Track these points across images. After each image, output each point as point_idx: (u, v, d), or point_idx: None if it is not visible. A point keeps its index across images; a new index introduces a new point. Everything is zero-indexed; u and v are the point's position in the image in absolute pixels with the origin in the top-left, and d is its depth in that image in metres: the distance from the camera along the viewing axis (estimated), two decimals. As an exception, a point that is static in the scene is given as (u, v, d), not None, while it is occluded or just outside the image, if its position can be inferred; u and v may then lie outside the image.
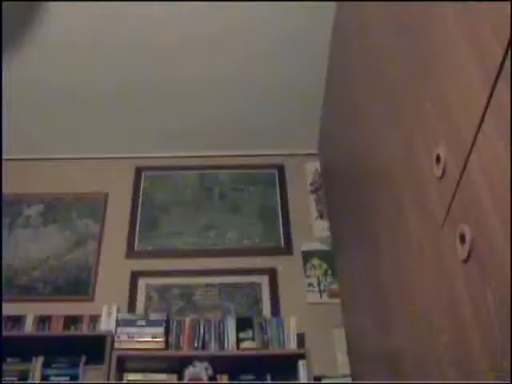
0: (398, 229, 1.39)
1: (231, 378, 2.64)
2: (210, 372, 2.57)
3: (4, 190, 3.30)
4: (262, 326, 2.73)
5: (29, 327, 2.73)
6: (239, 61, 2.84)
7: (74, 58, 2.78)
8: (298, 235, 3.19)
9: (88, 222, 3.26)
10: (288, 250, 3.15)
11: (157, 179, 3.48)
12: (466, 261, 0.93)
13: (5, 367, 2.60)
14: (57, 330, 2.73)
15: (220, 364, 2.60)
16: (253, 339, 2.68)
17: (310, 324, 2.79)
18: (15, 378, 2.59)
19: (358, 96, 1.86)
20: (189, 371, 2.56)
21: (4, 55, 2.73)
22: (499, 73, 0.79)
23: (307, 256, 3.10)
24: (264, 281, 3.00)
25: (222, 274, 3.02)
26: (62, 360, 2.64)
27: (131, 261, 3.10)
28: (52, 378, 2.60)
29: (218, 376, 2.63)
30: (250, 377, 2.64)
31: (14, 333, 2.69)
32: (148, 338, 2.66)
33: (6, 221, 3.24)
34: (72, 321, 2.77)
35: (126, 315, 2.79)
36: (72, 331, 2.73)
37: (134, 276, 3.02)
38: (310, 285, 3.00)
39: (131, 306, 2.90)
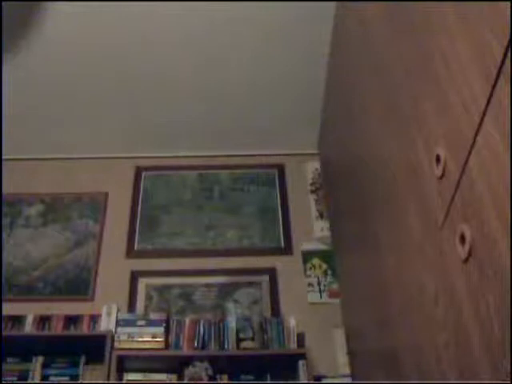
0: (398, 229, 1.39)
1: (231, 378, 2.64)
2: (210, 372, 2.57)
3: (4, 190, 3.30)
4: (262, 325, 2.73)
5: (29, 327, 2.73)
6: (239, 60, 2.84)
7: (73, 57, 2.78)
8: (298, 235, 3.19)
9: (88, 222, 3.26)
10: (288, 249, 3.15)
11: (157, 179, 3.48)
12: (466, 261, 0.93)
13: (5, 367, 2.60)
14: (57, 329, 2.72)
15: (220, 364, 2.60)
16: (253, 339, 2.68)
17: (310, 324, 2.79)
18: (15, 378, 2.59)
19: (358, 96, 1.86)
20: (189, 371, 2.56)
21: (4, 55, 2.73)
22: (499, 73, 0.79)
23: (307, 256, 3.10)
24: (264, 281, 3.00)
25: (222, 274, 3.02)
26: (62, 360, 2.64)
27: (131, 261, 3.10)
28: (52, 378, 2.60)
29: (218, 376, 2.63)
30: (250, 377, 2.64)
31: (14, 333, 2.69)
32: (148, 338, 2.66)
33: (6, 221, 3.24)
34: (72, 321, 2.77)
35: (125, 315, 2.79)
36: (72, 331, 2.73)
37: (134, 276, 3.02)
38: (310, 285, 3.00)
39: (131, 306, 2.90)
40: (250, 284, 2.98)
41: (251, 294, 2.95)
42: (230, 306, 2.89)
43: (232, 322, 2.74)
